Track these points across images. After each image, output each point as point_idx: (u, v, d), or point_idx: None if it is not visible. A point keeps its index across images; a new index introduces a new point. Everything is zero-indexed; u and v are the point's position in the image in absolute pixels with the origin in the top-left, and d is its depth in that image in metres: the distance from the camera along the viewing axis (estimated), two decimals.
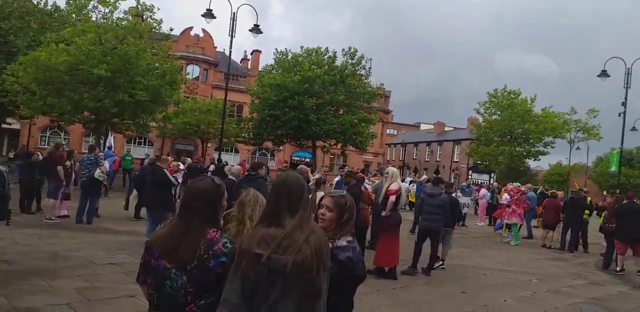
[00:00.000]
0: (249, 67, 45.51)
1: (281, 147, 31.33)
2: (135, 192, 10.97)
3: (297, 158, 41.26)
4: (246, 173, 8.80)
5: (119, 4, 20.20)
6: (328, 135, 26.59)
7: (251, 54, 45.02)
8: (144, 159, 21.58)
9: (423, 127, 71.19)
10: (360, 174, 11.49)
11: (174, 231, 2.23)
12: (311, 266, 1.90)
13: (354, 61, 27.11)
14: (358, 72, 27.33)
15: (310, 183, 7.67)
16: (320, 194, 6.93)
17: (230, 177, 7.71)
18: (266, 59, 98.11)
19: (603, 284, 9.12)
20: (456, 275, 8.55)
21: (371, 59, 27.57)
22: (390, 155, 64.14)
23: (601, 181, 52.47)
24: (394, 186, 7.69)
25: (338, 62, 27.17)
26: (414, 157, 60.19)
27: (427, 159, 58.24)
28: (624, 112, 21.83)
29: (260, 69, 36.44)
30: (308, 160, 38.11)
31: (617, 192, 19.29)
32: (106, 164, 11.57)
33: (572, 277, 9.43)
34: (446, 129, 61.94)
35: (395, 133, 71.59)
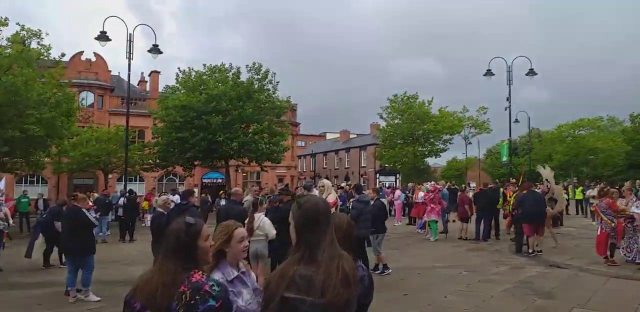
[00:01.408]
0: (148, 89, 43.67)
1: (192, 171, 30.20)
2: (41, 237, 10.03)
3: (208, 180, 40.17)
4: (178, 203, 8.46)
5: (0, 29, 18.40)
6: (240, 154, 26.20)
7: (149, 75, 43.27)
8: (37, 200, 19.87)
9: (329, 136, 72.75)
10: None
11: (151, 277, 2.12)
12: (347, 300, 1.87)
13: (259, 76, 27.00)
14: (265, 87, 27.25)
15: (245, 205, 7.54)
16: (258, 215, 6.84)
17: (159, 209, 7.34)
18: (165, 80, 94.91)
19: (523, 266, 9.91)
20: (393, 278, 8.83)
21: (275, 73, 27.58)
22: (301, 166, 64.79)
23: (492, 171, 57.14)
24: (331, 198, 7.80)
25: (243, 78, 26.90)
26: (324, 166, 61.38)
27: (336, 167, 59.63)
28: (509, 106, 24.01)
29: (160, 90, 35.09)
30: (220, 181, 37.25)
31: (511, 180, 21.13)
32: (6, 210, 10.48)
33: (495, 265, 10.14)
34: (351, 136, 63.96)
35: (304, 144, 72.58)
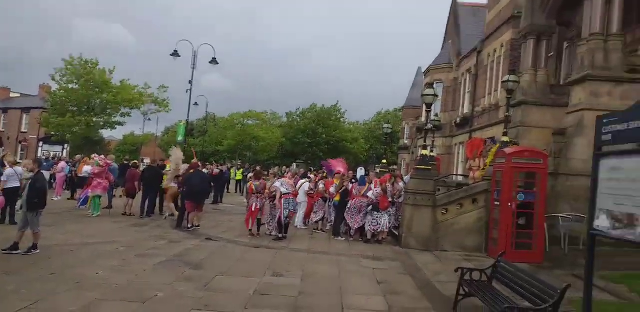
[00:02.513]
0: None
1: None
2: None
3: None
4: None
5: None
6: None
7: None
8: None
9: None
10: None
11: None
12: None
13: None
14: None
15: None
16: None
17: None
18: None
19: (180, 241, 10.52)
20: (39, 257, 8.04)
21: None
22: None
23: (168, 149, 58.09)
24: None
25: None
26: None
27: None
28: (191, 89, 24.99)
29: None
30: None
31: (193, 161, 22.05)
32: None
33: (154, 240, 10.43)
34: (12, 95, 54.10)
35: None
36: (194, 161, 14.42)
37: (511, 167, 10.09)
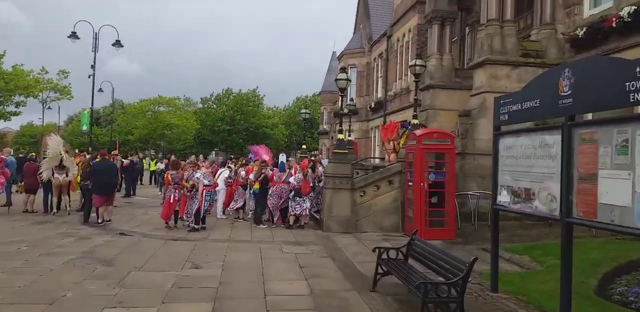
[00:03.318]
0: None
1: None
2: None
3: None
4: None
5: None
6: None
7: None
8: None
9: None
10: None
11: None
12: None
13: None
14: None
15: None
16: None
17: None
18: None
19: (90, 237, 9.92)
20: None
21: None
22: None
23: (73, 139, 54.51)
24: None
25: None
26: None
27: None
28: (94, 75, 23.36)
29: None
30: None
31: (89, 149, 20.78)
32: None
33: (61, 237, 9.75)
34: None
35: None
36: (101, 150, 13.60)
37: (421, 148, 10.55)
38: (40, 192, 13.44)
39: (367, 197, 11.53)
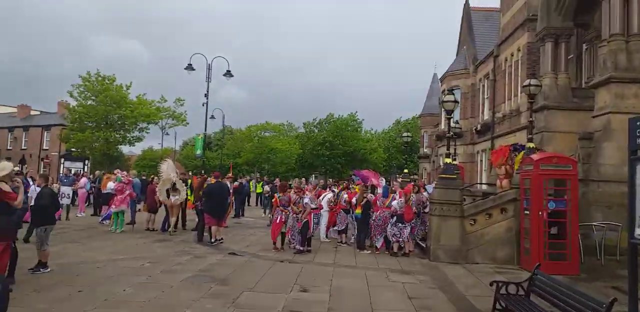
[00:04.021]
0: None
1: None
2: None
3: None
4: None
5: None
6: None
7: None
8: None
9: (2, 109, 61.02)
10: None
11: None
12: None
13: None
14: None
15: None
16: None
17: None
18: None
19: (204, 256, 10.44)
20: (67, 275, 8.03)
21: None
22: None
23: (187, 162, 58.77)
24: None
25: None
26: None
27: (9, 147, 50.51)
28: (207, 103, 25.10)
29: None
30: None
31: (202, 172, 22.10)
32: None
33: (179, 255, 10.37)
34: (32, 112, 55.12)
35: None
36: (216, 172, 14.43)
37: (539, 174, 9.83)
38: (162, 211, 14.51)
39: (478, 225, 10.92)
